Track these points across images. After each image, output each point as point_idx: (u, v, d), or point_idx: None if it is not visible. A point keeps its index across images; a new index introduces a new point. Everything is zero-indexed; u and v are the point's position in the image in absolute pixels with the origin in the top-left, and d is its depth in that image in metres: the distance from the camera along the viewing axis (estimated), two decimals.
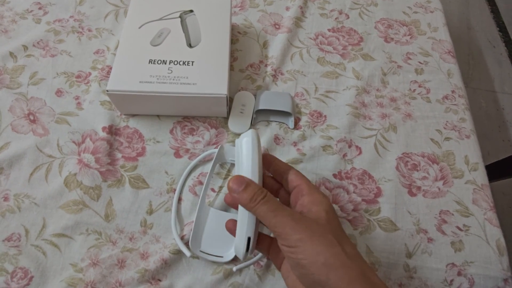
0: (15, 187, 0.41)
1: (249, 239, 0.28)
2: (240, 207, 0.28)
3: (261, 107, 0.48)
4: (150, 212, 0.42)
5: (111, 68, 0.49)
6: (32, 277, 0.37)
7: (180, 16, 0.49)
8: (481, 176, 0.46)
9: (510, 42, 1.36)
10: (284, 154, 0.47)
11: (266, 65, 0.54)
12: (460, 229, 0.42)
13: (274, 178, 0.33)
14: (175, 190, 0.43)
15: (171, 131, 0.47)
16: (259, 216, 0.26)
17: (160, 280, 0.38)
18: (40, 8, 0.56)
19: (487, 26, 1.40)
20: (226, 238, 0.40)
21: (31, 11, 0.56)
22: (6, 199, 0.41)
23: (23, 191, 0.41)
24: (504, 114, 1.19)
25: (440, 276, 0.40)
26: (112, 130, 0.46)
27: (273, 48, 0.55)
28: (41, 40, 0.53)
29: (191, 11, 0.49)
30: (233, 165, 0.45)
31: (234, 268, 0.38)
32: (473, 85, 1.24)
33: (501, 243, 0.42)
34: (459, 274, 0.40)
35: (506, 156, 0.78)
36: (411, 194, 0.45)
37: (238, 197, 0.27)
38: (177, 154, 0.45)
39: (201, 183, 0.44)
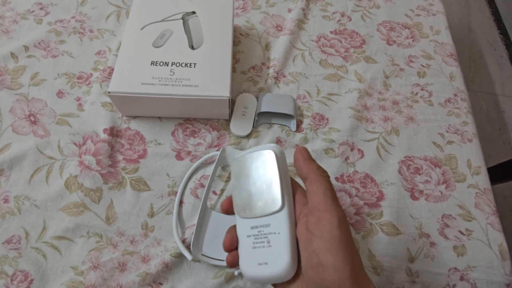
0: (15, 189, 0.41)
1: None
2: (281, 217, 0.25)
3: (263, 109, 0.48)
4: (151, 215, 0.41)
5: (112, 69, 0.49)
6: (32, 280, 0.37)
7: (182, 18, 0.48)
8: (483, 180, 0.46)
9: (511, 44, 1.36)
10: (286, 157, 0.46)
11: (268, 67, 0.54)
12: (462, 234, 0.42)
13: None
14: (176, 192, 0.43)
15: (172, 133, 0.47)
16: None
17: (161, 284, 0.38)
18: (41, 9, 0.56)
19: (488, 29, 1.40)
20: None
21: (33, 11, 0.56)
22: (6, 201, 0.40)
23: (23, 193, 0.41)
24: (505, 116, 1.19)
25: (443, 280, 0.40)
26: (113, 132, 0.46)
27: (275, 50, 0.55)
28: (42, 40, 0.53)
29: (194, 12, 0.49)
30: None
31: (236, 272, 0.38)
32: (474, 88, 1.24)
33: (504, 247, 0.42)
34: (461, 278, 0.40)
35: (507, 159, 0.78)
36: (414, 198, 0.45)
37: None
38: (178, 157, 0.45)
39: (202, 185, 0.43)
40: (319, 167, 0.25)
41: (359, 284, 0.21)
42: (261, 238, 0.26)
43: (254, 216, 0.26)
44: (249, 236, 0.26)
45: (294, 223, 0.25)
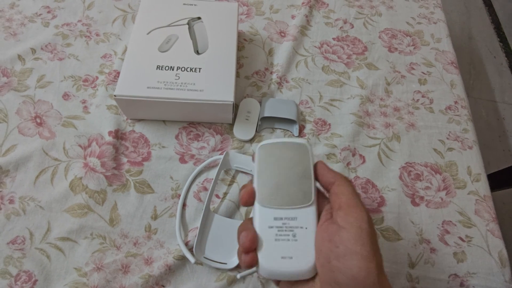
0: (20, 190, 0.42)
1: None
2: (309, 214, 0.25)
3: (266, 114, 0.48)
4: (155, 217, 0.42)
5: (118, 73, 0.49)
6: (36, 280, 0.37)
7: (188, 23, 0.49)
8: (483, 187, 0.47)
9: (510, 52, 1.37)
10: None
11: (271, 73, 0.54)
12: (462, 240, 0.43)
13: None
14: (179, 195, 0.43)
15: (176, 137, 0.47)
16: None
17: (163, 286, 0.38)
18: (48, 12, 0.57)
19: (488, 37, 1.41)
20: (231, 244, 0.40)
21: (40, 14, 0.56)
22: (11, 201, 0.41)
23: (28, 194, 0.41)
24: (504, 124, 1.20)
25: (443, 286, 0.40)
26: (118, 135, 0.46)
27: (279, 56, 0.56)
28: (49, 43, 0.53)
29: (199, 18, 0.50)
30: (237, 171, 0.45)
31: (238, 275, 0.38)
32: (474, 95, 1.25)
33: (503, 254, 0.42)
34: (461, 285, 0.40)
35: (507, 166, 0.78)
36: (414, 204, 0.45)
37: None
38: (182, 160, 0.46)
39: (206, 189, 0.44)
40: (343, 175, 0.26)
41: (382, 278, 0.21)
42: (285, 230, 0.25)
43: (281, 207, 0.25)
44: (272, 227, 0.25)
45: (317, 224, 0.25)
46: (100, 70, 0.52)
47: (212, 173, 0.45)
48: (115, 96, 0.42)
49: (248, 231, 0.25)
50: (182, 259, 0.39)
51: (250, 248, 0.24)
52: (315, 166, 0.26)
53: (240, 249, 0.25)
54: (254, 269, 0.39)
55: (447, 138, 0.51)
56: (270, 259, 0.24)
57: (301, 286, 0.24)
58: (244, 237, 0.24)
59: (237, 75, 0.54)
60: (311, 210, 0.25)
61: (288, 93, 0.53)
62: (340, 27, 0.61)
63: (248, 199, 0.26)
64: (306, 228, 0.24)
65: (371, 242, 0.22)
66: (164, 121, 0.48)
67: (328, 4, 0.64)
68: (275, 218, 0.25)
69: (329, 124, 0.51)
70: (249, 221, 0.26)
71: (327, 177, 0.26)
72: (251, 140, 0.48)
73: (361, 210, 0.23)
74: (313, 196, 0.25)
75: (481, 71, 1.32)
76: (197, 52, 0.47)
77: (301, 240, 0.24)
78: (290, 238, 0.24)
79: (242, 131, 0.48)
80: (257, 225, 0.25)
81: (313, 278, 0.24)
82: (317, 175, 0.26)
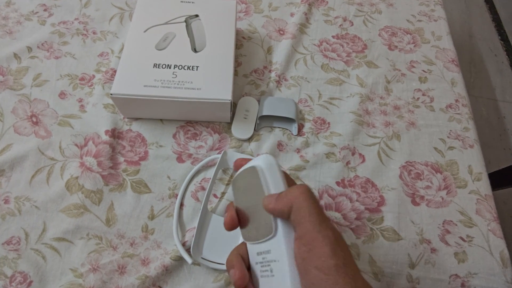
0: (16, 190, 0.41)
1: None
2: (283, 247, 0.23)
3: (264, 113, 0.48)
4: (152, 217, 0.41)
5: (115, 71, 0.49)
6: (31, 282, 0.36)
7: (185, 21, 0.49)
8: (484, 186, 0.46)
9: (511, 50, 1.37)
10: (287, 161, 0.46)
11: (270, 71, 0.54)
12: (463, 240, 0.42)
13: None
14: (177, 195, 0.43)
15: (174, 136, 0.47)
16: None
17: (160, 287, 0.37)
18: (45, 10, 0.56)
19: (489, 35, 1.40)
20: (228, 245, 0.39)
21: (36, 12, 0.56)
22: (6, 201, 0.40)
23: (24, 194, 0.41)
24: (505, 122, 1.19)
25: (444, 287, 0.40)
26: (115, 134, 0.46)
27: (277, 54, 0.55)
28: (45, 41, 0.53)
29: (197, 15, 0.49)
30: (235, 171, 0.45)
31: None
32: (474, 93, 1.24)
33: (505, 254, 0.41)
34: (462, 285, 0.40)
35: (508, 165, 0.78)
36: (415, 203, 0.44)
37: None
38: (179, 159, 0.45)
39: (203, 188, 0.43)
40: (290, 189, 0.23)
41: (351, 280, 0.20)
42: (265, 266, 0.24)
43: (254, 242, 0.24)
44: (257, 263, 0.24)
45: (292, 251, 0.22)
46: (97, 68, 0.52)
47: (210, 173, 0.44)
48: (111, 94, 0.42)
49: (236, 269, 0.24)
50: (179, 259, 0.38)
51: (242, 286, 0.24)
52: (264, 207, 0.24)
53: (231, 277, 0.24)
54: None
55: (448, 137, 0.50)
56: None
57: None
58: (233, 276, 0.24)
59: (236, 73, 0.53)
60: (278, 240, 0.23)
61: (287, 91, 0.52)
62: (340, 25, 0.60)
63: (232, 225, 0.26)
64: (278, 261, 0.23)
65: (344, 276, 0.20)
66: (161, 120, 0.48)
67: (327, 2, 0.63)
68: (257, 253, 0.24)
69: (329, 123, 0.50)
70: (235, 254, 0.25)
71: (279, 210, 0.22)
72: (249, 139, 0.47)
73: (322, 243, 0.20)
74: (273, 226, 0.23)
75: (482, 69, 1.31)
76: (195, 50, 0.46)
77: (277, 275, 0.23)
78: (269, 274, 0.23)
79: (240, 130, 0.47)
80: (250, 260, 0.25)
81: None
82: (268, 211, 0.23)
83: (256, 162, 0.24)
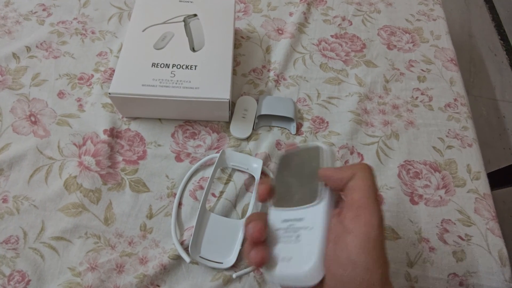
0: (14, 189, 0.41)
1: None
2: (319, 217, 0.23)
3: (263, 112, 0.48)
4: (150, 216, 0.41)
5: (113, 71, 0.49)
6: (29, 280, 0.36)
7: (184, 20, 0.49)
8: (483, 185, 0.46)
9: (511, 50, 1.37)
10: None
11: (268, 70, 0.54)
12: (462, 239, 0.42)
13: None
14: (175, 194, 0.43)
15: (172, 135, 0.47)
16: None
17: (158, 286, 0.37)
18: (44, 10, 0.56)
19: (488, 34, 1.40)
20: (226, 244, 0.39)
21: (35, 12, 0.56)
22: (5, 200, 0.40)
23: (22, 193, 0.41)
24: (505, 122, 1.19)
25: (442, 286, 0.39)
26: (114, 133, 0.46)
27: (276, 53, 0.56)
28: (44, 41, 0.53)
29: (195, 15, 0.49)
30: (234, 170, 0.45)
31: (234, 275, 0.37)
32: (474, 93, 1.24)
33: (503, 253, 0.41)
34: (461, 284, 0.40)
35: (507, 164, 0.78)
36: (413, 202, 0.44)
37: None
38: (178, 158, 0.45)
39: (201, 187, 0.43)
40: (355, 163, 0.23)
41: (386, 284, 0.20)
42: (290, 232, 0.23)
43: (289, 208, 0.24)
44: (279, 229, 0.24)
45: (329, 225, 0.22)
46: (95, 68, 0.52)
47: (208, 172, 0.44)
48: (109, 94, 0.42)
49: (256, 221, 0.23)
50: (178, 258, 0.38)
51: (259, 239, 0.23)
52: (320, 173, 0.24)
53: (248, 244, 0.23)
54: (250, 268, 0.39)
55: (447, 136, 0.50)
56: (270, 262, 0.23)
57: None
58: (252, 228, 0.23)
59: (234, 72, 0.53)
60: (319, 209, 0.23)
61: (286, 90, 0.52)
62: (339, 24, 0.60)
63: (266, 195, 0.25)
64: (311, 228, 0.22)
65: (378, 251, 0.20)
66: (160, 119, 0.48)
67: (326, 1, 0.63)
68: (283, 220, 0.24)
69: (327, 122, 0.50)
70: (256, 213, 0.25)
71: (336, 178, 0.23)
72: (248, 138, 0.47)
73: (372, 213, 0.21)
74: (318, 194, 0.23)
75: (481, 69, 1.31)
76: (193, 50, 0.46)
77: (304, 241, 0.22)
78: (293, 240, 0.23)
79: (239, 129, 0.47)
80: (269, 229, 0.24)
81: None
82: (324, 181, 0.24)
83: (320, 144, 0.26)
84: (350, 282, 0.20)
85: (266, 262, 0.22)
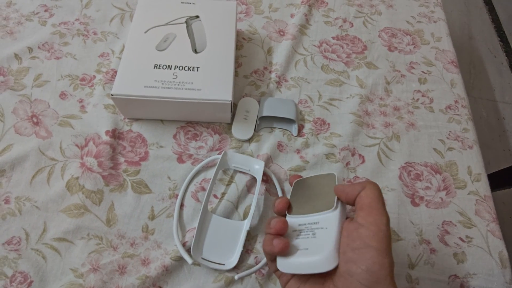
0: (16, 190, 0.41)
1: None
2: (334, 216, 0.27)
3: (265, 113, 0.48)
4: (152, 217, 0.41)
5: (115, 72, 0.49)
6: (31, 282, 0.37)
7: (186, 22, 0.49)
8: (483, 187, 0.46)
9: (510, 52, 1.37)
10: (287, 161, 0.47)
11: (270, 72, 0.54)
12: (462, 240, 0.42)
13: None
14: (177, 195, 0.43)
15: (174, 136, 0.47)
16: None
17: (161, 287, 0.38)
18: (46, 11, 0.56)
19: (488, 36, 1.41)
20: (228, 245, 0.39)
21: (37, 13, 0.56)
22: (7, 201, 0.40)
23: (24, 194, 0.41)
24: (504, 123, 1.19)
25: None
26: (116, 134, 0.46)
27: (278, 55, 0.56)
28: (46, 42, 0.53)
29: (197, 16, 0.49)
30: (236, 171, 0.45)
31: (236, 276, 0.38)
32: (474, 94, 1.25)
33: (504, 255, 0.41)
34: (461, 286, 0.40)
35: (507, 165, 0.78)
36: (414, 204, 0.45)
37: None
38: (180, 159, 0.45)
39: (203, 189, 0.43)
40: (363, 181, 0.27)
41: (393, 280, 0.23)
42: (307, 231, 0.27)
43: (306, 215, 0.28)
44: (295, 230, 0.27)
45: (341, 228, 0.26)
46: (97, 69, 0.52)
47: (210, 173, 0.44)
48: (112, 95, 0.42)
49: (282, 198, 0.30)
50: (180, 260, 0.38)
51: (282, 230, 0.27)
52: (335, 188, 0.28)
53: (268, 236, 0.27)
54: (252, 269, 0.39)
55: (447, 138, 0.50)
56: (287, 254, 0.26)
57: (313, 286, 0.25)
58: (278, 221, 0.27)
59: (236, 74, 0.53)
60: (333, 215, 0.26)
61: (287, 92, 0.52)
62: (340, 26, 0.61)
63: (283, 209, 0.30)
64: (326, 228, 0.26)
65: (387, 243, 0.23)
66: (162, 120, 0.48)
67: (327, 3, 0.63)
68: (300, 224, 0.28)
69: (328, 124, 0.50)
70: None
71: (349, 192, 0.26)
72: (249, 140, 0.48)
73: (382, 213, 0.24)
74: (335, 203, 0.27)
75: (481, 70, 1.31)
76: (195, 51, 0.46)
77: (320, 237, 0.25)
78: (310, 236, 0.26)
79: (241, 130, 0.47)
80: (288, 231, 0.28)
81: (329, 280, 0.25)
82: (338, 196, 0.27)
83: (332, 172, 0.31)
84: (362, 264, 0.22)
85: (287, 249, 0.26)
